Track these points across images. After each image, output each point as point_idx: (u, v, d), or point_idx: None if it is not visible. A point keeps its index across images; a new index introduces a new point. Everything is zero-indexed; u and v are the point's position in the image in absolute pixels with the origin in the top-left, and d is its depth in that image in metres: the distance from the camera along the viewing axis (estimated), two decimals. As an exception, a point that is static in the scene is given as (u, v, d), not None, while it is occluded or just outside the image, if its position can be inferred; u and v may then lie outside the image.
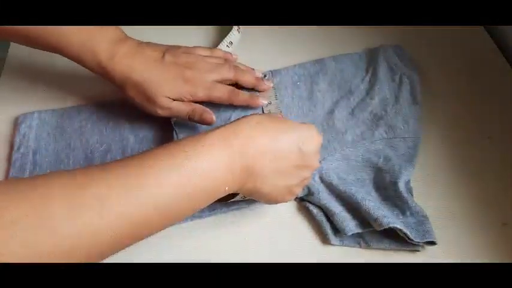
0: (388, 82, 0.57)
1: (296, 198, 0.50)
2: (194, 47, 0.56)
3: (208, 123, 0.52)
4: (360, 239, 0.47)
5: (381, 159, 0.51)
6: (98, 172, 0.36)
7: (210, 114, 0.52)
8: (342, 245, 0.47)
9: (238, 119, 0.42)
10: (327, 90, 0.58)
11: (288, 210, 0.50)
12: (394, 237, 0.46)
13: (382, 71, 0.58)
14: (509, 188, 0.50)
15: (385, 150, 0.52)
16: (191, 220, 0.50)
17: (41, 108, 0.59)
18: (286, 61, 0.61)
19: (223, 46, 0.62)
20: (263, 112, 0.55)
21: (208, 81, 0.52)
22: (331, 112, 0.55)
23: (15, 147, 0.56)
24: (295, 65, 0.61)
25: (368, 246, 0.47)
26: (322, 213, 0.49)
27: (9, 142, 0.57)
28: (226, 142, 0.40)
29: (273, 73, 0.60)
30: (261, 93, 0.57)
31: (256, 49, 0.63)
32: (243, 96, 0.54)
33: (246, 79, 0.55)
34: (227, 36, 0.63)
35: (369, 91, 0.57)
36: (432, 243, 0.46)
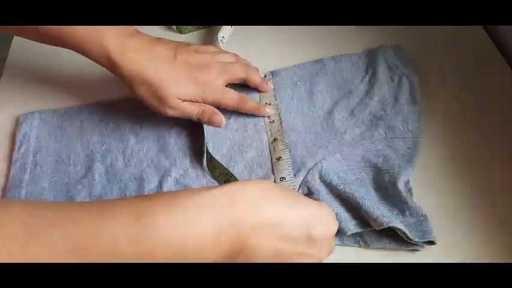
0: (388, 82, 0.57)
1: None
2: (205, 45, 0.56)
3: (217, 126, 0.52)
4: (359, 239, 0.47)
5: (381, 160, 0.51)
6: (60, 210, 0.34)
7: (219, 116, 0.52)
8: (342, 245, 0.47)
9: (238, 181, 0.38)
10: (327, 91, 0.58)
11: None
12: (394, 237, 0.46)
13: (382, 71, 0.58)
14: (508, 187, 0.50)
15: (385, 150, 0.52)
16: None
17: (42, 108, 0.59)
18: (286, 61, 0.61)
19: (216, 42, 0.62)
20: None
21: (219, 85, 0.52)
22: (330, 112, 0.56)
23: (16, 147, 0.56)
24: (294, 66, 0.61)
25: (367, 245, 0.47)
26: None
27: (10, 142, 0.57)
28: (216, 209, 0.34)
29: (273, 73, 0.60)
30: (261, 93, 0.58)
31: (255, 49, 0.63)
32: (250, 105, 0.54)
33: (254, 79, 0.55)
34: (219, 32, 0.63)
35: (369, 91, 0.57)
36: (431, 242, 0.46)
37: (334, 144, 0.53)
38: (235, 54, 0.57)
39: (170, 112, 0.51)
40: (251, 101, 0.55)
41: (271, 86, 0.58)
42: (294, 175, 0.50)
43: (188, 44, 0.54)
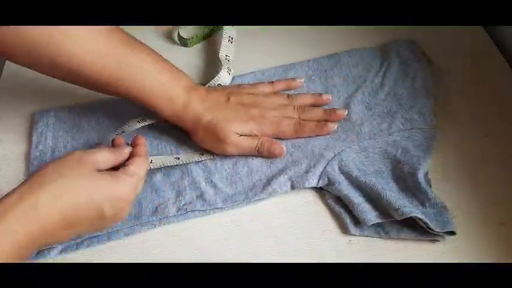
0: (402, 76, 0.58)
1: (315, 188, 0.51)
2: (256, 84, 0.57)
3: (279, 155, 0.53)
4: (379, 229, 0.47)
5: (399, 151, 0.51)
6: None
7: (278, 145, 0.53)
8: (362, 235, 0.48)
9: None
10: (342, 85, 0.58)
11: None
12: (414, 227, 0.46)
13: (396, 65, 0.59)
14: (507, 187, 0.50)
15: (403, 141, 0.52)
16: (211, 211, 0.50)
17: (56, 104, 0.59)
18: (295, 60, 0.61)
19: (225, 41, 0.61)
20: None
21: (273, 115, 0.53)
22: (347, 106, 0.56)
23: (33, 145, 0.56)
24: (308, 60, 0.61)
25: (388, 236, 0.47)
26: (340, 204, 0.49)
27: (26, 139, 0.57)
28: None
29: (288, 67, 0.60)
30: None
31: (263, 50, 0.64)
32: (309, 127, 0.54)
33: (310, 118, 0.54)
34: (224, 33, 0.61)
35: (384, 85, 0.57)
36: (452, 233, 0.46)
37: (352, 136, 0.53)
38: (288, 96, 0.56)
39: (230, 149, 0.52)
40: (309, 123, 0.54)
41: (343, 112, 0.55)
42: (314, 166, 0.51)
43: (242, 87, 0.56)
